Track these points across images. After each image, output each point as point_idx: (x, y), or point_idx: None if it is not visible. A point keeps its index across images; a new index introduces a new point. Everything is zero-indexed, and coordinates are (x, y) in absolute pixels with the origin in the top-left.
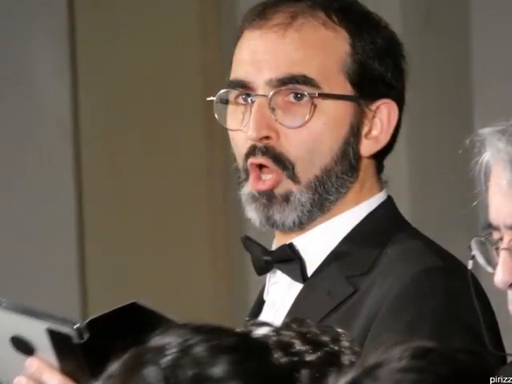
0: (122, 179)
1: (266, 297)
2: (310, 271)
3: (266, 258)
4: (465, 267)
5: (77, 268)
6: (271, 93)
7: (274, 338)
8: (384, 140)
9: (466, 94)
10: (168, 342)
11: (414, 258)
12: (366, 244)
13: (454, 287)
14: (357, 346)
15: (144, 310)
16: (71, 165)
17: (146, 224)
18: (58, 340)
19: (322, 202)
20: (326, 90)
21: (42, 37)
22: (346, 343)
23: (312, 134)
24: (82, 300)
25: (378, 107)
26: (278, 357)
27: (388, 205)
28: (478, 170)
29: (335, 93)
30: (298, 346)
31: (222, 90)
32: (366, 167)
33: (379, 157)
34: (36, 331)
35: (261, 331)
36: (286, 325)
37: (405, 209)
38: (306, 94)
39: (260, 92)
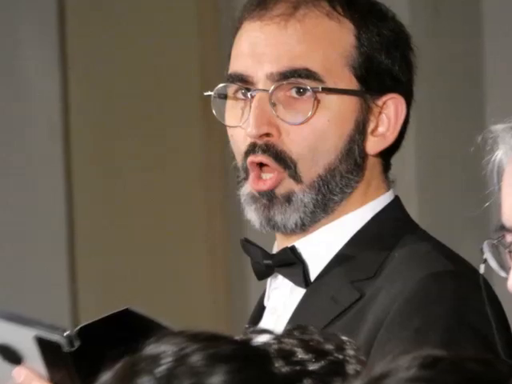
0: (115, 179)
1: (266, 303)
2: (312, 276)
3: (266, 261)
4: (476, 271)
5: (67, 271)
6: (272, 87)
7: (275, 346)
8: (391, 137)
9: (478, 88)
10: (163, 350)
11: (423, 261)
12: (372, 247)
13: (464, 292)
14: (362, 355)
15: (138, 316)
16: (61, 165)
17: (142, 226)
18: (47, 348)
19: (325, 202)
20: (330, 85)
21: (31, 33)
22: (351, 352)
23: (315, 131)
24: (72, 306)
25: (384, 102)
26: (280, 366)
27: (395, 205)
28: (490, 169)
29: (340, 87)
30: (301, 354)
31: (221, 85)
32: (372, 166)
33: (386, 155)
34: (24, 339)
35: (261, 339)
36: (288, 332)
37: (413, 209)
38: (308, 88)
39: (260, 86)
